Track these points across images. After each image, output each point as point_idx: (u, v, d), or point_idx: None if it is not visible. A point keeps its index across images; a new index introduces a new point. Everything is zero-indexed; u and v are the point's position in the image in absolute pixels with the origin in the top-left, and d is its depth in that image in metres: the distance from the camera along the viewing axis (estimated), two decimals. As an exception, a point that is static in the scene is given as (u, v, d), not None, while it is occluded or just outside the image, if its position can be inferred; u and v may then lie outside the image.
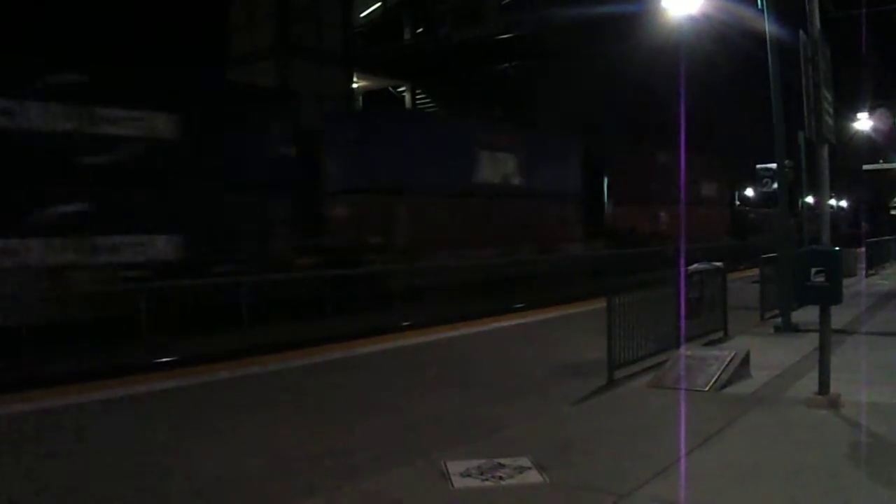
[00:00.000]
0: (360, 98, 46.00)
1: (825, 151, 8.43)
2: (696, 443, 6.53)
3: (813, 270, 7.69)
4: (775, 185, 15.23)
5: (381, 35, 44.29)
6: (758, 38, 13.78)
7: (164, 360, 13.16)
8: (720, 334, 12.34)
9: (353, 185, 23.78)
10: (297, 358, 12.22)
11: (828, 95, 8.33)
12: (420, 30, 44.40)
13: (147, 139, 17.92)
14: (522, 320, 16.50)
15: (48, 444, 7.42)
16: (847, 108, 30.85)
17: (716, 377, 8.77)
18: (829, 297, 7.77)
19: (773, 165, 15.20)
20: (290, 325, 17.59)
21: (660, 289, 10.91)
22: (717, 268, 12.79)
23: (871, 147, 38.03)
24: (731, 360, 9.06)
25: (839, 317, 10.55)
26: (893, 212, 68.00)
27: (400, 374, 11.02)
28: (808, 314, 11.30)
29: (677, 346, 10.27)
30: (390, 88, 47.39)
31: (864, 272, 23.66)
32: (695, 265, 12.42)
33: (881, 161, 39.23)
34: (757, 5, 13.49)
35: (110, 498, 6.03)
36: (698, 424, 7.05)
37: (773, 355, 10.50)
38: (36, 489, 6.30)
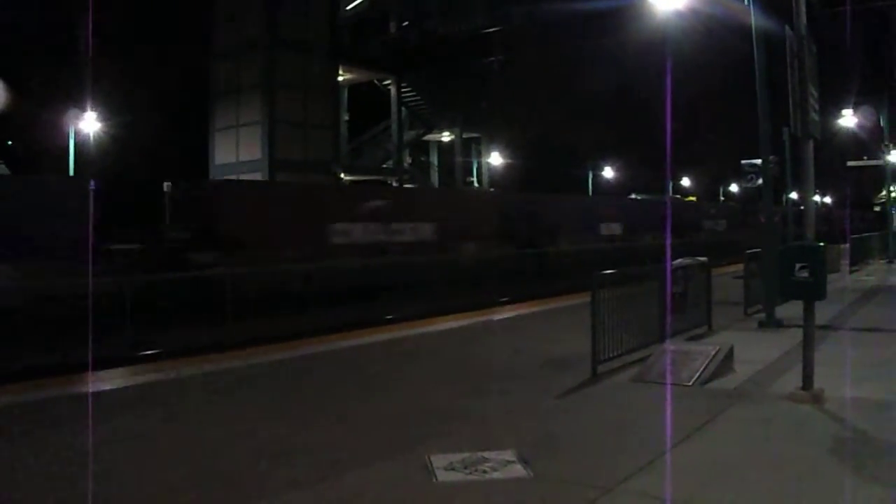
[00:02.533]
0: (346, 91, 45.85)
1: (810, 147, 8.44)
2: (680, 437, 6.54)
3: (797, 266, 7.72)
4: (760, 181, 15.22)
5: (367, 28, 44.13)
6: (743, 34, 13.81)
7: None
8: (704, 329, 12.39)
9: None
10: (268, 353, 12.13)
11: (813, 91, 8.33)
12: (406, 23, 44.26)
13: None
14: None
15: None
16: (832, 105, 30.99)
17: (700, 372, 8.78)
18: (813, 292, 7.80)
19: (758, 161, 15.20)
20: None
21: (645, 283, 10.93)
22: (702, 263, 12.83)
23: (856, 143, 38.23)
24: (715, 355, 9.08)
25: (823, 312, 10.60)
26: (877, 208, 68.44)
27: (377, 369, 10.96)
28: (791, 309, 11.32)
29: (661, 340, 10.28)
30: (375, 81, 47.22)
31: (847, 268, 23.81)
32: (679, 260, 12.45)
33: (865, 158, 39.40)
34: (743, 1, 13.50)
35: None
36: (682, 419, 7.06)
37: (756, 350, 10.53)
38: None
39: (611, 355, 9.59)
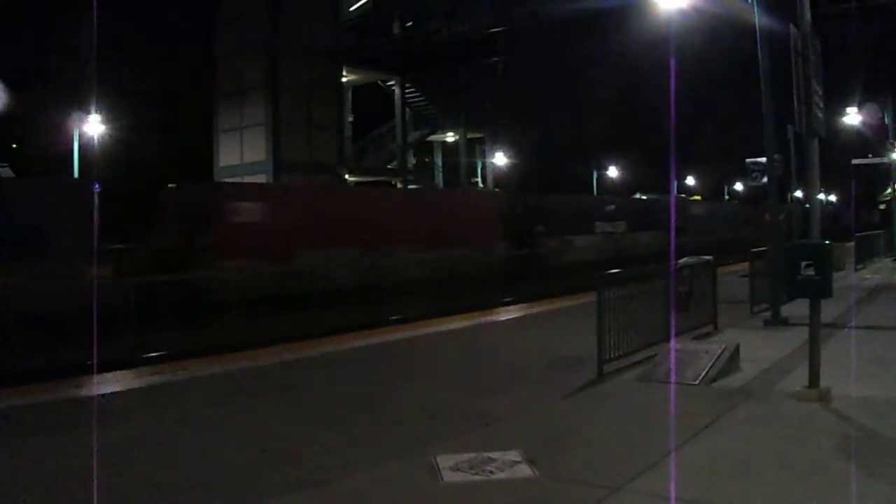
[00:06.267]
0: (350, 92, 45.83)
1: (815, 145, 8.43)
2: (686, 436, 6.52)
3: (803, 264, 7.70)
4: (765, 179, 15.21)
5: (370, 29, 44.12)
6: (748, 32, 13.79)
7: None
8: (710, 328, 12.34)
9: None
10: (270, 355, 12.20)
11: (818, 89, 8.32)
12: (409, 24, 44.23)
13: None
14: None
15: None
16: (836, 103, 30.86)
17: (706, 371, 8.77)
18: (819, 290, 7.77)
19: (763, 159, 15.18)
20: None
21: (650, 282, 10.90)
22: (707, 261, 12.80)
23: (861, 141, 38.09)
24: (721, 354, 9.06)
25: (829, 311, 10.56)
26: (882, 206, 68.26)
27: (387, 369, 10.96)
28: (797, 308, 11.30)
29: (667, 339, 10.25)
30: (379, 82, 47.19)
31: (853, 266, 23.75)
32: (684, 259, 12.42)
33: (870, 155, 39.24)
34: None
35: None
36: (689, 418, 7.04)
37: (762, 349, 10.50)
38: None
39: (617, 354, 9.58)
